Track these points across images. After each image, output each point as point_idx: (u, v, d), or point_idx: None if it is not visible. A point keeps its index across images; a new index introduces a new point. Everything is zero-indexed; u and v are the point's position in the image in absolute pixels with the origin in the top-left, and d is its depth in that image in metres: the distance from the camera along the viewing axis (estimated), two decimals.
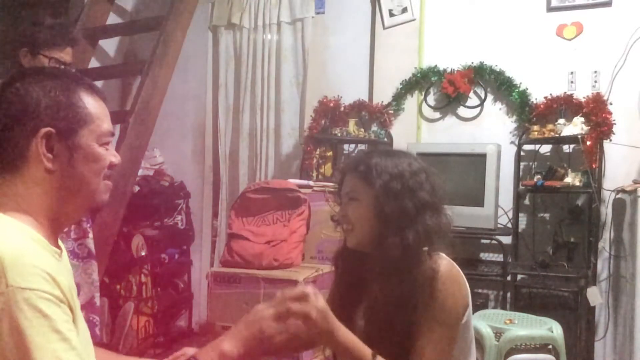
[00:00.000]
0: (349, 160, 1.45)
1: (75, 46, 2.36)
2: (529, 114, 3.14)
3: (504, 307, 2.93)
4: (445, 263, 1.27)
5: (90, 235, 2.40)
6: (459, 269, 1.29)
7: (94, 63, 3.66)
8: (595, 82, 3.08)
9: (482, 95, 3.32)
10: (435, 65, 3.38)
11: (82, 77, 1.04)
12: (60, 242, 1.05)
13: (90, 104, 1.00)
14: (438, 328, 1.22)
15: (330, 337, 1.12)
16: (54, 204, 0.98)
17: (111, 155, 1.04)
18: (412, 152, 1.46)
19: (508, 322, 2.38)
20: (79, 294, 2.25)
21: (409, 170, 1.31)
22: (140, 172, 3.48)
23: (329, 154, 3.50)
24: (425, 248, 1.27)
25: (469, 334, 1.33)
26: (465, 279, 1.30)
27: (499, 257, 2.99)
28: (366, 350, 1.16)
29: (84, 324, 1.06)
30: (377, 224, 1.29)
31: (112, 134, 1.05)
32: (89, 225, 2.41)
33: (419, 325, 1.23)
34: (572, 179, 2.91)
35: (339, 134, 3.41)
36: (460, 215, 2.69)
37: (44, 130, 0.95)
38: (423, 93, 3.45)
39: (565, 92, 3.07)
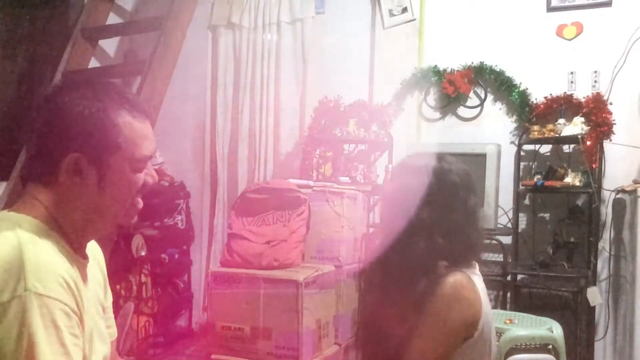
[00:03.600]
0: (406, 158, 1.44)
1: None
2: (529, 114, 3.14)
3: (504, 307, 2.93)
4: (454, 281, 1.27)
5: None
6: (471, 286, 1.29)
7: (94, 63, 3.66)
8: (595, 82, 3.08)
9: (482, 95, 3.32)
10: (435, 65, 3.37)
11: (124, 94, 1.00)
12: (90, 246, 1.06)
13: (128, 127, 0.97)
14: (430, 339, 1.25)
15: None
16: (81, 220, 0.98)
17: (147, 176, 1.02)
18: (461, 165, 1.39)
19: (508, 322, 2.38)
20: None
21: (454, 181, 1.32)
22: None
23: (329, 154, 3.50)
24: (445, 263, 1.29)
25: (481, 347, 1.33)
26: (477, 296, 1.30)
27: (499, 257, 2.99)
28: None
29: (99, 321, 1.07)
30: (413, 220, 1.30)
31: (149, 157, 1.02)
32: None
33: (416, 328, 1.24)
34: (572, 179, 2.91)
35: (339, 134, 3.41)
36: None
37: (72, 155, 0.94)
38: (423, 93, 3.45)
39: (565, 92, 3.07)
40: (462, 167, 1.36)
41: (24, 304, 0.82)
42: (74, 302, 0.89)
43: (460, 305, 1.26)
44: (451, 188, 1.32)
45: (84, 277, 0.99)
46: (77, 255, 0.98)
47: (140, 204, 1.05)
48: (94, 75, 3.42)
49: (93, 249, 1.10)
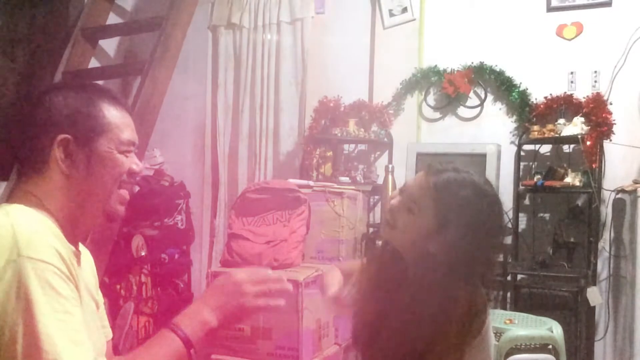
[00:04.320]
0: (432, 164, 1.34)
1: None
2: (529, 114, 3.14)
3: (503, 307, 2.93)
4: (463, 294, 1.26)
5: None
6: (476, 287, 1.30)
7: (94, 63, 3.65)
8: (595, 82, 3.08)
9: (482, 95, 3.32)
10: (435, 65, 3.37)
11: (107, 90, 1.10)
12: (82, 248, 1.09)
13: (111, 114, 1.05)
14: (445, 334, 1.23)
15: None
16: (72, 206, 1.02)
17: (132, 163, 1.07)
18: (493, 189, 1.35)
19: (508, 322, 2.38)
20: None
21: (482, 220, 1.26)
22: None
23: (329, 154, 3.50)
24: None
25: (486, 345, 1.32)
26: (483, 296, 1.29)
27: (498, 257, 2.99)
28: None
29: (93, 315, 1.08)
30: (425, 243, 1.26)
31: (134, 144, 1.08)
32: None
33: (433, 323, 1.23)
34: (572, 179, 2.91)
35: (339, 134, 3.41)
36: None
37: (60, 137, 1.01)
38: (423, 93, 3.45)
39: (565, 92, 3.07)
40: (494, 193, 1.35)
41: (19, 268, 0.85)
42: (68, 272, 0.91)
43: (473, 301, 1.26)
44: (495, 210, 1.30)
45: (78, 263, 1.02)
46: (71, 245, 1.00)
47: (127, 195, 1.08)
48: (94, 75, 3.42)
49: (84, 253, 1.12)
